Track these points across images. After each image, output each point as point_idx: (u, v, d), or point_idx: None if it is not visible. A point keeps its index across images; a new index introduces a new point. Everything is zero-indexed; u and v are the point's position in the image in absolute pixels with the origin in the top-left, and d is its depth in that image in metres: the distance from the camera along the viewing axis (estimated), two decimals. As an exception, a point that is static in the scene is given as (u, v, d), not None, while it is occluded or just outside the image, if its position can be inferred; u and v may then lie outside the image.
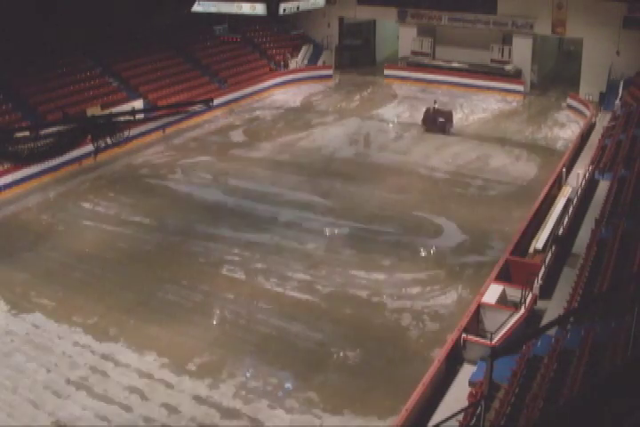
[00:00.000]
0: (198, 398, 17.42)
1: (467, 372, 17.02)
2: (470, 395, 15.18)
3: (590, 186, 26.68)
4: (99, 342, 19.64)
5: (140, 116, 28.54)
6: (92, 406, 17.08)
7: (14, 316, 20.95)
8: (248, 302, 21.67)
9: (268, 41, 48.95)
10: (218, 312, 21.37)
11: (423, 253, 24.64)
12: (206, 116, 38.99)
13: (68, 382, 17.97)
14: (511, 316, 18.19)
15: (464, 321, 18.27)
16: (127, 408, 17.03)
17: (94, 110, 34.25)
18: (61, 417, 16.78)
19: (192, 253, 24.83)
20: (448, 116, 36.36)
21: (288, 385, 18.03)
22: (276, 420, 16.74)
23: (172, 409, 17.03)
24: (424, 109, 37.10)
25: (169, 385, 17.89)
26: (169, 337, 19.90)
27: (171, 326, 20.41)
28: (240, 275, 23.22)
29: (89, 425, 16.51)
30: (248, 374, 18.36)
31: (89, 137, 21.99)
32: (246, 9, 36.42)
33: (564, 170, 28.72)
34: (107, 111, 33.01)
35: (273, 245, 25.09)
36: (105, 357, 19.00)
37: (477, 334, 18.11)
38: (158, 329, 20.26)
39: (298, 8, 37.89)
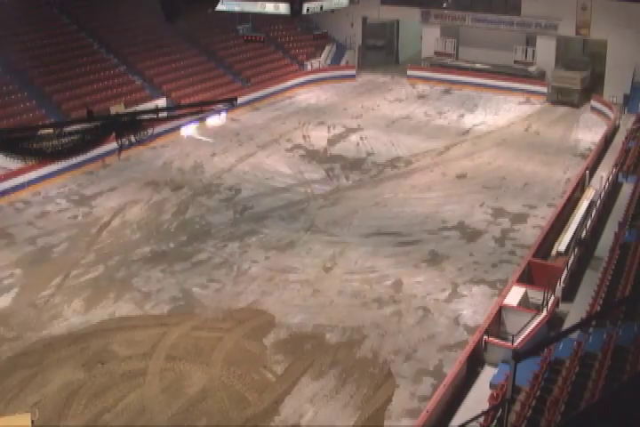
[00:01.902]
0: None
1: (488, 374, 17.00)
2: (491, 397, 15.14)
3: (614, 189, 26.55)
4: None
5: (163, 114, 28.55)
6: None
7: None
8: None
9: (292, 40, 48.96)
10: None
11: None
12: (229, 115, 39.04)
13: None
14: (533, 318, 18.13)
15: (485, 323, 18.23)
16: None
17: (118, 108, 34.44)
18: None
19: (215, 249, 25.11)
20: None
21: None
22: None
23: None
24: None
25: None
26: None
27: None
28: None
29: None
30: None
31: (113, 135, 22.13)
32: (270, 8, 36.28)
33: (587, 172, 28.58)
34: (130, 109, 33.16)
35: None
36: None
37: (499, 337, 18.07)
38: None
39: (321, 8, 37.68)
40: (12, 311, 21.12)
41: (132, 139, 21.68)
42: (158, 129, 30.99)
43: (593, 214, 23.95)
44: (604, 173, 27.48)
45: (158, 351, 19.18)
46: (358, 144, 35.50)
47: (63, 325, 20.47)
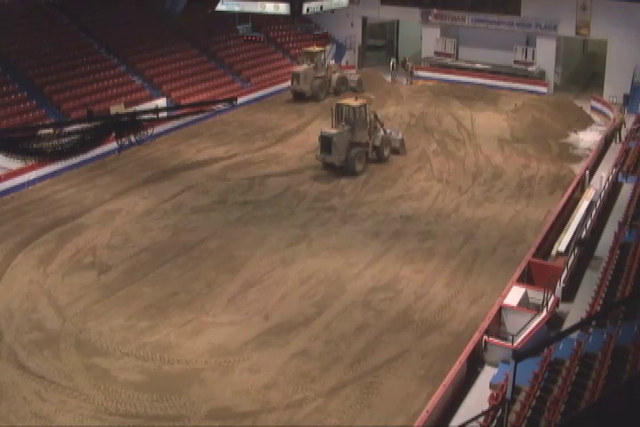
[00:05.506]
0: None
1: (488, 374, 16.99)
2: (491, 397, 15.13)
3: (614, 188, 26.53)
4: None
5: (163, 114, 28.65)
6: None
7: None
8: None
9: (292, 40, 48.96)
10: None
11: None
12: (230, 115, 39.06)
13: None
14: (533, 318, 18.13)
15: (485, 323, 18.23)
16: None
17: (118, 108, 34.42)
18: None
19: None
20: None
21: None
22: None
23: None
24: None
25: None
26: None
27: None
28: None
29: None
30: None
31: (113, 135, 22.18)
32: (270, 8, 36.36)
33: (587, 172, 28.57)
34: (130, 109, 33.15)
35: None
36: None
37: (499, 337, 18.07)
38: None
39: (321, 8, 37.75)
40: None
41: (132, 139, 21.82)
42: (158, 128, 30.98)
43: (593, 214, 23.91)
44: (604, 173, 27.45)
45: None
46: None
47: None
